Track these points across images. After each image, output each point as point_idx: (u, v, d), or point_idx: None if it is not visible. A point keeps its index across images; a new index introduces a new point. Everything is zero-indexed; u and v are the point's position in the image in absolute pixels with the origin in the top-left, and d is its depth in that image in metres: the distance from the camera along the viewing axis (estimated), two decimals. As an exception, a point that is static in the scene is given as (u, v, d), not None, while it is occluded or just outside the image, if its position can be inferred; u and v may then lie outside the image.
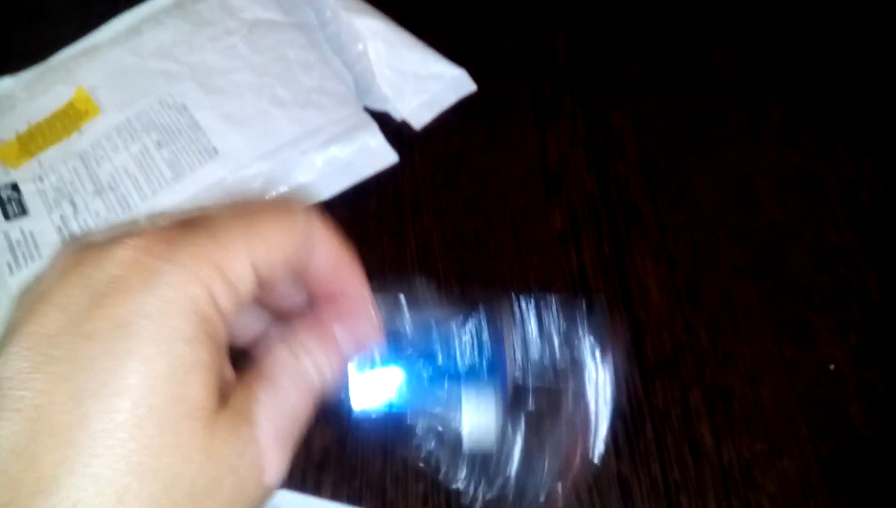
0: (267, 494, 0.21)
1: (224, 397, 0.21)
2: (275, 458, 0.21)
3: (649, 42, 0.57)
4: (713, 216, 0.50)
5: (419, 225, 0.51)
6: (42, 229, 0.51)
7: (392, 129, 0.54)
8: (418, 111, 0.55)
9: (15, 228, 0.51)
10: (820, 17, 0.57)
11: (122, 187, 0.52)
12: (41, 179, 0.53)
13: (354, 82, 0.56)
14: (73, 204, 0.51)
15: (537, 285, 0.48)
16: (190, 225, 0.21)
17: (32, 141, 0.55)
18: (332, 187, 0.52)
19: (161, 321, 0.19)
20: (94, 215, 0.51)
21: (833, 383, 0.44)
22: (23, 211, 0.51)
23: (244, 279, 0.21)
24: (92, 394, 0.18)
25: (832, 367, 0.44)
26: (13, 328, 0.19)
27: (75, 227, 0.50)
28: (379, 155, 0.53)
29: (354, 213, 0.51)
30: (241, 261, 0.21)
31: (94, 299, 0.19)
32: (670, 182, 0.51)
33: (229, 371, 0.22)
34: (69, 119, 0.55)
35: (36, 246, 0.50)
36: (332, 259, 0.25)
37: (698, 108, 0.54)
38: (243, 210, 0.24)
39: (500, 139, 0.54)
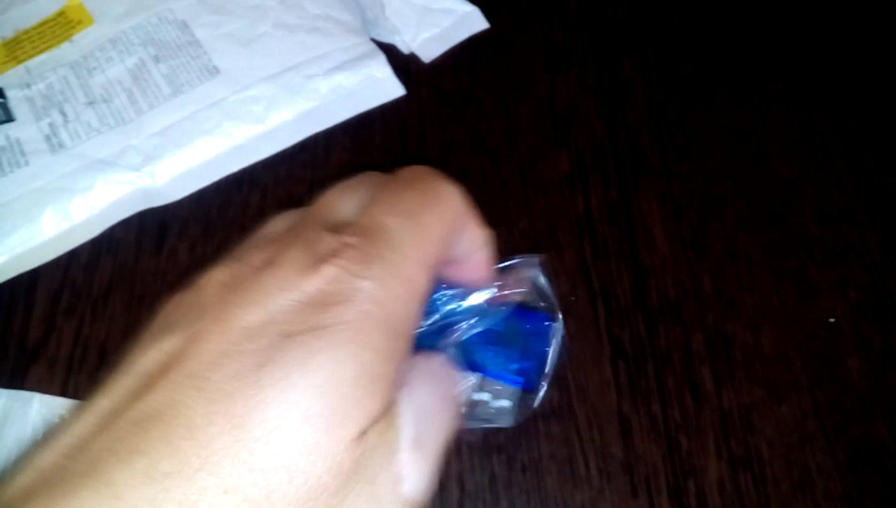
0: None
1: None
2: (414, 467, 0.19)
3: (661, -4, 0.57)
4: (720, 169, 0.49)
5: (424, 160, 0.50)
6: (29, 136, 0.48)
7: (399, 62, 0.53)
8: (427, 45, 0.53)
9: (0, 134, 0.48)
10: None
11: (116, 100, 0.49)
12: (28, 85, 0.50)
13: (362, 13, 0.55)
14: (62, 113, 0.49)
15: (543, 225, 0.47)
16: (370, 235, 0.20)
17: (19, 47, 0.52)
18: (335, 116, 0.51)
19: (358, 328, 0.18)
20: (86, 126, 0.48)
21: (832, 335, 0.44)
22: (9, 117, 0.49)
23: (424, 285, 0.21)
24: (273, 384, 0.17)
25: (832, 320, 0.44)
26: (202, 311, 0.19)
27: (65, 136, 0.48)
28: (385, 86, 0.52)
29: (357, 143, 0.50)
30: (422, 269, 0.21)
31: (297, 307, 0.19)
32: (678, 133, 0.51)
33: None
34: (60, 28, 0.53)
35: (23, 153, 0.47)
36: (474, 248, 0.24)
37: (709, 63, 0.53)
38: (402, 203, 0.22)
39: (509, 79, 0.53)
